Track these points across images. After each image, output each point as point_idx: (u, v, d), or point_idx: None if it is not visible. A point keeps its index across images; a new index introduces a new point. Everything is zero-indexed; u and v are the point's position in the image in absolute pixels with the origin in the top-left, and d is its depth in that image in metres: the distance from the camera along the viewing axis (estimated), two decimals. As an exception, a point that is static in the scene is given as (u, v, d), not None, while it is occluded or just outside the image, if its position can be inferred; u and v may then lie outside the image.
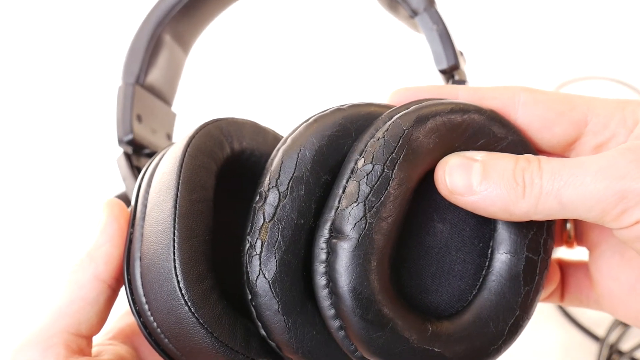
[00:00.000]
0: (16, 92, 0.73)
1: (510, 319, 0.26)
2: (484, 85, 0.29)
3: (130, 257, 0.27)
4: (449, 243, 0.27)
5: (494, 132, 0.26)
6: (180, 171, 0.26)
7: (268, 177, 0.25)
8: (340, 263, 0.23)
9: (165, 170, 0.27)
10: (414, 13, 0.35)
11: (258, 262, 0.24)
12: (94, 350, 0.29)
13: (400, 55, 0.72)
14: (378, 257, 0.24)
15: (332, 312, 0.24)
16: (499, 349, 0.26)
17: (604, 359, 0.50)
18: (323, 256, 0.24)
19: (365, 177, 0.24)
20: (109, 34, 0.75)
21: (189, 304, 0.25)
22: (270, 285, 0.24)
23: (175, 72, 0.42)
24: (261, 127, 0.30)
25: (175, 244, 0.25)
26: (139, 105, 0.39)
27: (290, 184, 0.25)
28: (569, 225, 0.32)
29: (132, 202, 0.28)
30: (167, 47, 0.41)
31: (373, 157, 0.24)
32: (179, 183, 0.26)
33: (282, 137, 0.30)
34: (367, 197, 0.24)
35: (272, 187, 0.25)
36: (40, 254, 0.60)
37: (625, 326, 0.51)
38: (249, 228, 0.25)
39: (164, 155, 0.29)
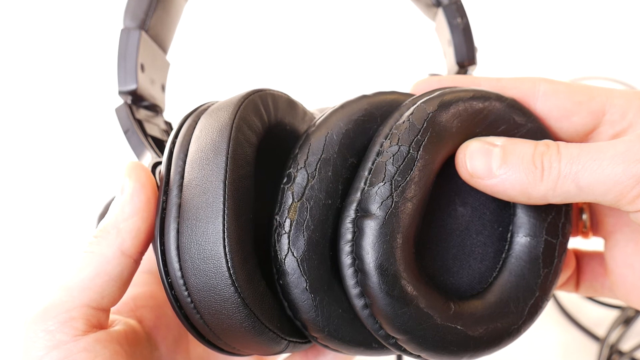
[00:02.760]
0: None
1: (530, 300, 0.27)
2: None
3: (165, 228, 0.26)
4: (470, 226, 0.28)
5: (514, 119, 0.27)
6: (229, 145, 0.25)
7: (297, 158, 0.26)
8: (366, 240, 0.24)
9: (208, 140, 0.26)
10: (438, 3, 0.36)
11: (287, 241, 0.25)
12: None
13: (404, 47, 0.72)
14: (403, 235, 0.24)
15: (357, 290, 0.25)
16: (519, 329, 0.27)
17: (604, 359, 0.50)
18: (349, 236, 0.25)
19: (392, 157, 0.25)
20: None
21: (236, 284, 0.24)
22: (299, 264, 0.25)
23: (175, 18, 0.39)
24: (294, 101, 0.29)
25: (226, 223, 0.24)
26: (144, 53, 0.36)
27: (318, 165, 0.25)
28: (584, 216, 0.32)
29: (164, 168, 0.27)
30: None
31: (399, 138, 0.25)
32: (227, 158, 0.25)
33: (311, 112, 0.30)
34: (393, 176, 0.24)
35: (301, 168, 0.25)
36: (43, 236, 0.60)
37: (626, 326, 0.51)
38: (277, 208, 0.25)
39: (196, 121, 0.27)
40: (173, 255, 0.25)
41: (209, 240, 0.24)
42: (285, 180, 0.26)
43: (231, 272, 0.24)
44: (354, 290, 0.25)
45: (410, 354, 0.26)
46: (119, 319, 0.29)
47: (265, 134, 0.27)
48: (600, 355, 0.50)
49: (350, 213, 0.25)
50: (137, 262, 0.27)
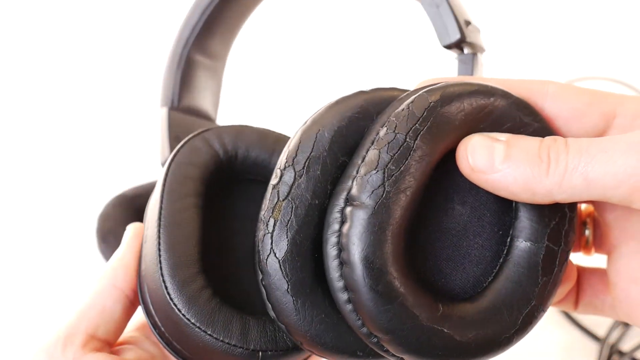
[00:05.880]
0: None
1: (525, 309, 0.25)
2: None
3: (140, 268, 0.30)
4: (468, 227, 0.26)
5: (520, 118, 0.26)
6: (165, 184, 0.29)
7: (285, 156, 0.25)
8: (354, 231, 0.23)
9: (156, 186, 0.30)
10: None
11: (270, 241, 0.24)
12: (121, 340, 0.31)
13: (408, 52, 0.72)
14: (393, 228, 0.23)
15: (341, 283, 0.24)
16: (510, 339, 0.25)
17: (605, 359, 0.50)
18: (336, 226, 0.24)
19: (387, 145, 0.24)
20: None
21: (178, 307, 0.26)
22: (280, 265, 0.24)
23: (212, 87, 0.44)
24: (247, 128, 0.31)
25: (161, 253, 0.27)
26: (176, 127, 0.41)
27: (306, 163, 0.25)
28: (587, 232, 0.31)
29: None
30: (199, 65, 0.42)
31: (396, 126, 0.24)
32: (162, 195, 0.29)
33: (273, 133, 0.32)
34: (386, 165, 0.23)
35: (289, 166, 0.25)
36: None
37: (626, 326, 0.51)
38: (263, 207, 0.25)
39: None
40: (145, 290, 0.29)
41: (152, 270, 0.28)
42: (273, 178, 0.25)
43: (170, 296, 0.27)
44: (337, 284, 0.24)
45: (393, 356, 0.25)
46: (130, 347, 0.31)
47: (220, 166, 0.30)
48: (601, 355, 0.50)
49: (339, 202, 0.24)
50: (129, 300, 0.30)
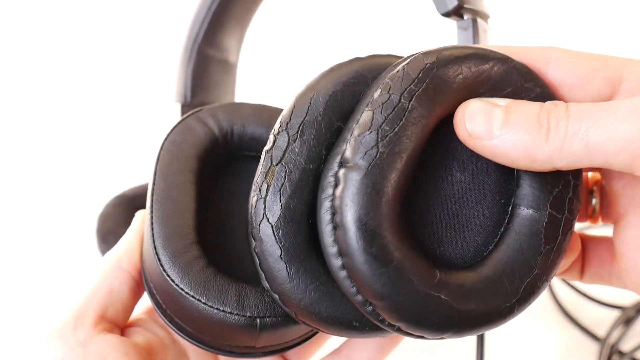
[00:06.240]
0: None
1: (527, 277, 0.24)
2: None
3: (142, 249, 0.30)
4: (468, 194, 0.26)
5: (521, 82, 0.25)
6: (157, 162, 0.29)
7: (279, 121, 0.25)
8: (347, 192, 0.22)
9: (152, 167, 0.30)
10: None
11: (262, 206, 0.24)
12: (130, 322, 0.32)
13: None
14: (388, 191, 0.22)
15: (335, 249, 0.23)
16: (512, 308, 0.24)
17: (605, 359, 0.50)
18: (330, 190, 0.23)
19: (381, 106, 0.23)
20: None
21: (171, 277, 0.26)
22: (273, 230, 0.24)
23: (226, 81, 0.43)
24: (243, 105, 0.31)
25: (153, 227, 0.28)
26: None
27: (300, 127, 0.24)
28: (594, 200, 0.31)
29: None
30: (211, 60, 0.42)
31: (390, 87, 0.23)
32: (155, 173, 0.29)
33: (270, 108, 0.32)
34: (380, 125, 0.23)
35: (282, 130, 0.24)
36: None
37: (626, 326, 0.51)
38: (257, 173, 0.25)
39: None
40: (146, 270, 0.29)
41: (148, 246, 0.28)
42: (267, 143, 0.25)
43: (163, 268, 0.27)
44: (331, 249, 0.23)
45: (389, 326, 0.24)
46: (139, 330, 0.31)
47: (216, 144, 0.31)
48: (601, 355, 0.50)
49: (334, 165, 0.23)
50: (135, 281, 0.31)
